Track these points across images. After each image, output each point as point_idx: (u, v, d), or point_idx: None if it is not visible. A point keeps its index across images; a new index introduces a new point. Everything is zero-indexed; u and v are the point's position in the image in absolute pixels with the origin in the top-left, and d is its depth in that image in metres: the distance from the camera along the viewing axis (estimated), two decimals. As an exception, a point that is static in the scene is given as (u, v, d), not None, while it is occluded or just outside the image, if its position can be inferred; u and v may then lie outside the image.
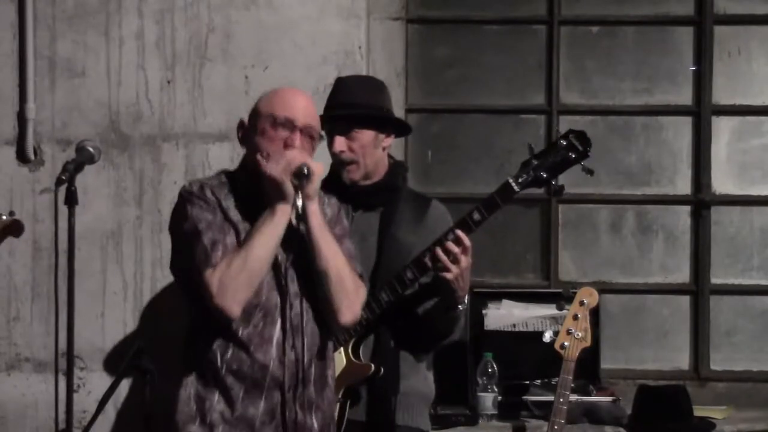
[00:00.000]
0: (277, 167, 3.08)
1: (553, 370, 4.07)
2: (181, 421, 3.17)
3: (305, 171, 3.07)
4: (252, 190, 3.16)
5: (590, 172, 3.45)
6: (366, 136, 3.60)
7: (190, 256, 3.13)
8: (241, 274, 3.04)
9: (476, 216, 3.41)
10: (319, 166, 3.14)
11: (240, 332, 3.12)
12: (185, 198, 3.20)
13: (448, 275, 3.37)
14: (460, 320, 3.58)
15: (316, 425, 3.19)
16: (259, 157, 3.15)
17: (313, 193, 3.12)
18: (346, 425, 3.53)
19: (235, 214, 3.17)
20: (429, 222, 3.58)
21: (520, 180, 3.39)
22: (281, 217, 3.09)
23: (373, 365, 3.51)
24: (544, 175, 3.39)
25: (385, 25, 5.24)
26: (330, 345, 3.30)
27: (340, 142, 3.59)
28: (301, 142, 3.15)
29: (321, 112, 4.93)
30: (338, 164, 3.61)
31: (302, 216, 3.09)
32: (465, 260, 3.39)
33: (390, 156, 3.74)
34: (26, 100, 5.02)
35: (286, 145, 3.14)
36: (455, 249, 3.37)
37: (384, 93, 3.74)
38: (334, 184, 3.67)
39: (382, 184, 3.65)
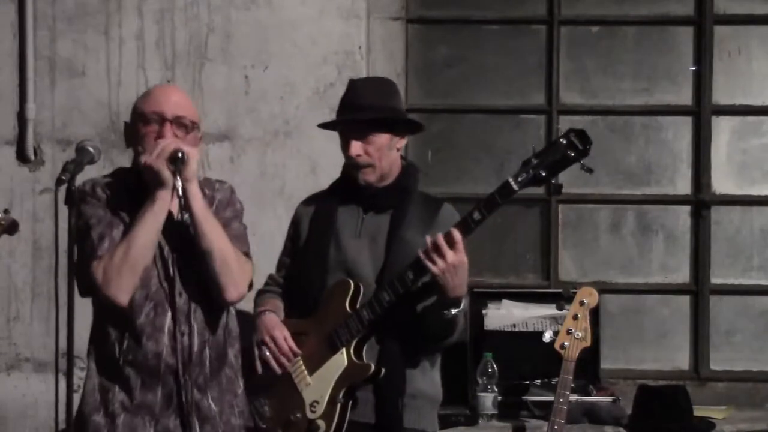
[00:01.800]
0: (151, 156, 3.19)
1: (553, 370, 4.07)
2: (86, 412, 3.30)
3: (179, 155, 3.18)
4: (141, 187, 3.27)
5: (590, 170, 3.44)
6: (382, 139, 3.60)
7: (81, 251, 3.25)
8: (123, 262, 3.17)
9: (476, 215, 3.41)
10: (194, 149, 3.24)
11: (133, 323, 3.24)
12: (79, 197, 3.31)
13: (434, 269, 3.38)
14: (457, 324, 3.54)
15: (213, 406, 3.31)
16: (139, 150, 3.28)
17: (191, 176, 3.21)
18: (354, 427, 3.52)
19: (123, 210, 3.29)
20: (439, 224, 3.57)
21: (519, 179, 3.39)
22: (161, 204, 3.21)
23: (373, 365, 3.51)
24: (543, 174, 3.38)
25: (385, 25, 5.24)
26: (228, 325, 3.38)
27: (356, 147, 3.59)
28: (172, 132, 3.26)
29: (322, 110, 4.96)
30: (354, 167, 3.61)
31: (183, 199, 3.19)
32: (452, 256, 3.36)
33: (403, 157, 3.74)
34: (26, 100, 5.03)
35: (158, 137, 3.25)
36: (442, 244, 3.37)
37: (397, 94, 3.76)
38: (346, 185, 3.67)
39: (393, 187, 3.66)
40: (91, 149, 3.53)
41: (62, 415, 3.39)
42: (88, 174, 3.42)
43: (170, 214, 3.25)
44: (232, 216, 3.40)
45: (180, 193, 3.17)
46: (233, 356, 3.40)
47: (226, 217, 3.36)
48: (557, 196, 3.61)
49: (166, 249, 3.27)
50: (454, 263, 3.37)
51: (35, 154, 5.06)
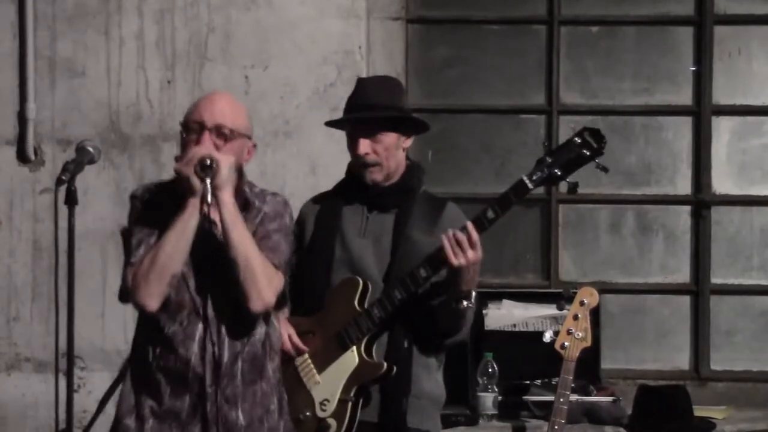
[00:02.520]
0: (181, 163, 3.20)
1: (553, 370, 4.07)
2: (120, 414, 3.31)
3: (208, 162, 3.16)
4: (183, 194, 3.26)
5: (605, 169, 3.45)
6: (390, 138, 3.61)
7: (125, 256, 3.30)
8: (151, 269, 3.18)
9: (490, 214, 3.43)
10: (226, 156, 3.22)
11: (167, 329, 3.25)
12: (130, 201, 3.35)
13: (455, 262, 3.39)
14: (466, 319, 3.58)
15: (242, 419, 3.29)
16: (176, 157, 3.29)
17: (222, 183, 3.20)
18: (358, 426, 3.53)
19: (164, 217, 3.27)
20: (443, 223, 3.58)
21: (534, 177, 3.40)
22: (191, 211, 3.20)
23: (385, 364, 3.51)
24: (558, 173, 3.39)
25: (385, 25, 5.24)
26: (268, 338, 3.37)
27: (364, 145, 3.60)
28: (209, 140, 3.25)
29: (321, 110, 4.96)
30: (361, 166, 3.62)
31: (215, 205, 3.18)
32: (472, 253, 3.39)
33: (407, 157, 3.75)
34: (26, 100, 5.03)
35: (195, 145, 3.26)
36: (463, 239, 3.38)
37: (403, 94, 3.77)
38: (351, 185, 3.68)
39: (397, 186, 3.67)
40: (91, 149, 3.55)
41: (62, 415, 3.40)
42: (88, 174, 3.43)
43: (207, 222, 3.23)
44: (275, 229, 3.37)
45: (209, 200, 3.16)
46: (272, 371, 3.39)
47: (269, 229, 3.34)
48: (573, 194, 3.62)
49: (201, 257, 3.26)
50: (474, 260, 3.40)
51: (35, 154, 5.06)
